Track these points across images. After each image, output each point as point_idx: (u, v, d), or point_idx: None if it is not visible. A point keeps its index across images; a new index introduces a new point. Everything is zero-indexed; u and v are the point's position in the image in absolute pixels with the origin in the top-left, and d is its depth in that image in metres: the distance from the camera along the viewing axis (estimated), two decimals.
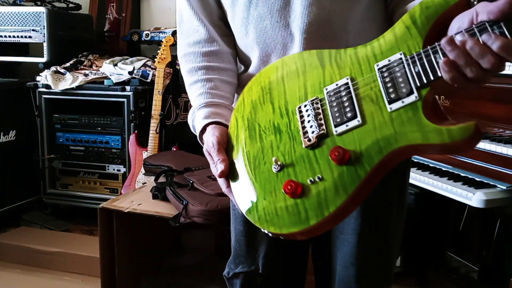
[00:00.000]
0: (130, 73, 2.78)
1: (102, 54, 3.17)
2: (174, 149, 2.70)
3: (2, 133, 2.86)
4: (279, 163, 0.85)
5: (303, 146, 0.84)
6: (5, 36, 2.99)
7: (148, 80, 2.80)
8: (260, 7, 0.96)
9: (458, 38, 0.69)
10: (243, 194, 0.88)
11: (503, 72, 1.89)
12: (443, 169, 1.96)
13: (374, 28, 0.97)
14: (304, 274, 1.21)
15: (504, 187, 1.72)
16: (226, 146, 0.93)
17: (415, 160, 2.10)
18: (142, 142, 2.73)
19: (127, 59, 2.96)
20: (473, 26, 0.70)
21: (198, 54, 1.05)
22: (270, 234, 0.85)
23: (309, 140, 0.83)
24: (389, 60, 0.79)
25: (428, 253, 2.45)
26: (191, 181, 1.94)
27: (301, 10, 0.93)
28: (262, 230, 0.85)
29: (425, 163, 2.05)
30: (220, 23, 1.07)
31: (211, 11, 1.05)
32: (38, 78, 2.93)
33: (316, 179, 0.81)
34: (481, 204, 1.67)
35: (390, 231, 1.08)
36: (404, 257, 2.51)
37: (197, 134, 1.00)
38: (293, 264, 1.18)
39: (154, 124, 2.68)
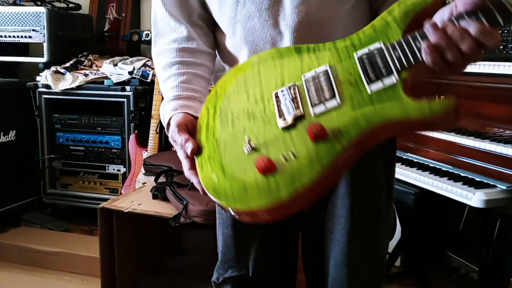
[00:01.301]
0: (130, 73, 2.78)
1: (102, 54, 3.17)
2: (174, 149, 2.70)
3: (2, 133, 2.86)
4: (252, 144, 0.83)
5: (279, 127, 0.83)
6: (5, 36, 2.99)
7: (148, 80, 2.80)
8: (248, 6, 0.95)
9: (440, 24, 0.74)
10: (210, 176, 0.86)
11: (503, 72, 1.89)
12: (443, 169, 1.95)
13: (361, 27, 0.98)
14: (295, 274, 1.21)
15: (504, 187, 1.72)
16: (188, 130, 0.92)
17: (415, 160, 2.10)
18: (142, 142, 2.73)
19: (127, 59, 2.96)
20: (452, 17, 0.74)
21: (173, 50, 1.03)
22: (233, 213, 0.82)
23: (285, 120, 0.82)
24: (368, 49, 0.81)
25: (428, 253, 2.45)
26: (191, 181, 1.93)
27: (290, 9, 0.93)
28: (226, 210, 0.83)
29: (425, 163, 2.05)
30: (200, 22, 1.05)
31: (191, 11, 1.04)
32: (38, 78, 2.92)
33: (290, 154, 0.80)
34: (481, 204, 1.67)
35: (380, 229, 1.08)
36: (404, 257, 2.51)
37: (165, 126, 0.99)
38: (284, 264, 1.18)
39: (154, 124, 2.68)
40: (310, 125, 0.80)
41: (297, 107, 0.82)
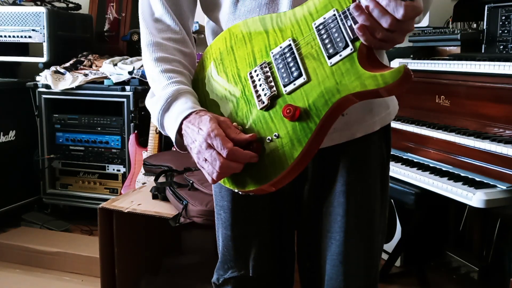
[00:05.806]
0: (130, 73, 2.78)
1: (102, 54, 3.17)
2: (174, 149, 2.70)
3: (2, 133, 2.86)
4: (239, 127, 0.91)
5: (258, 108, 0.90)
6: (5, 36, 2.99)
7: None
8: (248, 2, 0.98)
9: (364, 3, 0.76)
10: None
11: (503, 72, 1.88)
12: (443, 169, 1.96)
13: None
14: (293, 273, 1.21)
15: (504, 187, 1.72)
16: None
17: (415, 160, 2.10)
18: (142, 142, 2.73)
19: (127, 59, 2.96)
20: None
21: (171, 48, 1.01)
22: (240, 193, 0.91)
23: (263, 102, 0.89)
24: (324, 18, 0.85)
25: (429, 253, 2.45)
26: (191, 181, 1.94)
27: (288, 2, 0.94)
28: (234, 190, 0.92)
29: (425, 163, 2.05)
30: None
31: (187, 16, 1.06)
32: (38, 78, 2.93)
33: (273, 137, 0.87)
34: (481, 204, 1.67)
35: (375, 228, 1.08)
36: (404, 257, 2.51)
37: (183, 116, 0.92)
38: (283, 263, 1.18)
39: (154, 124, 2.68)
40: (284, 107, 0.87)
41: (271, 87, 0.89)
